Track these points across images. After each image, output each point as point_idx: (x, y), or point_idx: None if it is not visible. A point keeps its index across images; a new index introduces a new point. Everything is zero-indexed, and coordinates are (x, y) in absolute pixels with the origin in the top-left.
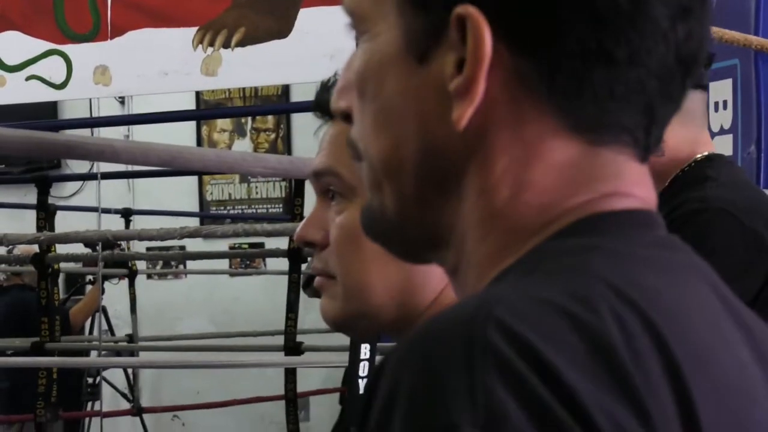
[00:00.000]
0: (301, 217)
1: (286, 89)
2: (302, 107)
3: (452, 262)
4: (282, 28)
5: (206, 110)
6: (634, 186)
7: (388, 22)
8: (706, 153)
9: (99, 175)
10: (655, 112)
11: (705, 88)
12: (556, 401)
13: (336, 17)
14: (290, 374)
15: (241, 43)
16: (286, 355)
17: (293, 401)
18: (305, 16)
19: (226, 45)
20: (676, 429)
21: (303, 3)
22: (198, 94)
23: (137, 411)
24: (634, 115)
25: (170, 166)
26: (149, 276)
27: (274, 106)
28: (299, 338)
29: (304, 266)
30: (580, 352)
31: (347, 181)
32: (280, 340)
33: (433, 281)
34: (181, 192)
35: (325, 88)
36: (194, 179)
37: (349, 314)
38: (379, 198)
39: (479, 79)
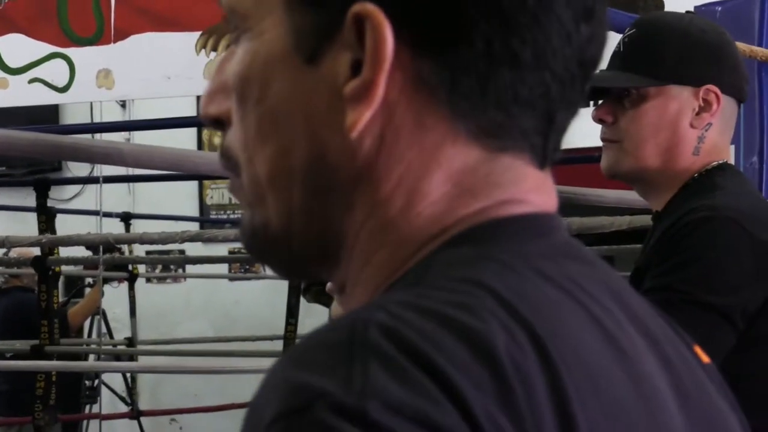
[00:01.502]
0: None
1: None
2: None
3: (341, 277)
4: None
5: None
6: (531, 192)
7: (273, 19)
8: (719, 161)
9: (101, 179)
10: (555, 117)
11: (741, 102)
12: (439, 392)
13: None
14: None
15: (224, 55)
16: None
17: None
18: None
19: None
20: None
21: None
22: (200, 98)
23: (135, 414)
24: (536, 120)
25: (177, 169)
26: (148, 279)
27: None
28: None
29: None
30: (462, 356)
31: None
32: (279, 345)
33: None
34: (182, 196)
35: None
36: (194, 183)
37: None
38: (262, 212)
39: (379, 82)
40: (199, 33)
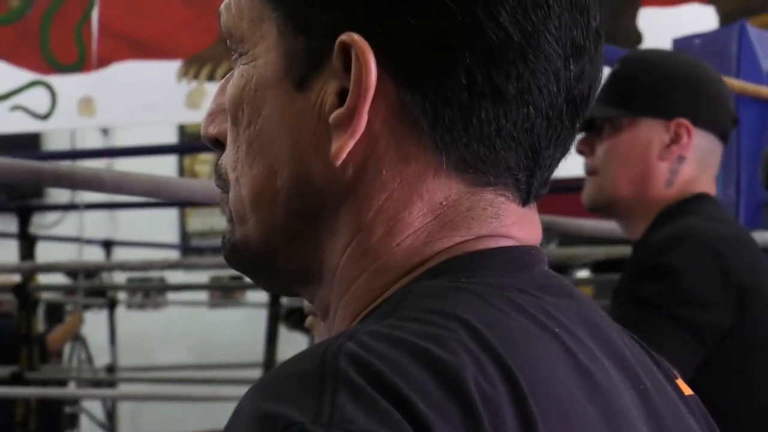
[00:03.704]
0: None
1: None
2: None
3: (324, 302)
4: None
5: (189, 143)
6: (513, 227)
7: (267, 44)
8: (696, 193)
9: (81, 206)
10: (540, 154)
11: (726, 141)
12: (406, 423)
13: None
14: None
15: (225, 77)
16: None
17: None
18: None
19: (210, 78)
20: None
21: None
22: (181, 125)
23: None
24: (520, 156)
25: (156, 196)
26: (129, 306)
27: None
28: None
29: (285, 299)
30: (430, 388)
31: None
32: (259, 372)
33: None
34: (163, 223)
35: None
36: (176, 210)
37: None
38: (243, 230)
39: (362, 111)
40: (181, 61)
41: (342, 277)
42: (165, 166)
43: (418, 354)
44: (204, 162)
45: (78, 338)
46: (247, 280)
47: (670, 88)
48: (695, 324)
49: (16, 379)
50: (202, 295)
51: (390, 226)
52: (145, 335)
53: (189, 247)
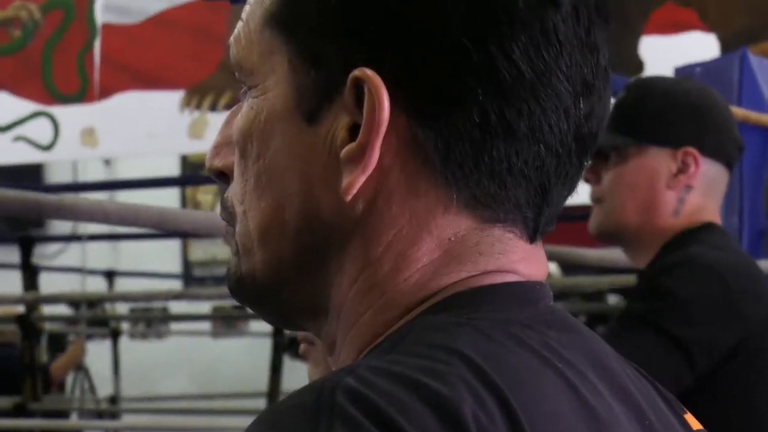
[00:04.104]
0: None
1: None
2: None
3: (330, 337)
4: None
5: (191, 176)
6: (519, 262)
7: (277, 77)
8: (703, 222)
9: (84, 237)
10: (549, 191)
11: (731, 168)
12: None
13: None
14: None
15: (228, 106)
16: None
17: None
18: None
19: (212, 108)
20: None
21: None
22: (184, 156)
23: None
24: (529, 193)
25: (160, 228)
26: (131, 335)
27: None
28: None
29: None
30: (428, 422)
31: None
32: (262, 402)
33: None
34: (165, 252)
35: None
36: (178, 240)
37: None
38: (249, 263)
39: (374, 146)
40: (182, 91)
41: (348, 312)
42: (167, 196)
43: (417, 388)
44: (207, 192)
45: (81, 368)
46: (250, 309)
47: (677, 116)
48: (686, 342)
49: (19, 411)
50: (205, 325)
51: (398, 261)
52: (148, 365)
53: (191, 277)
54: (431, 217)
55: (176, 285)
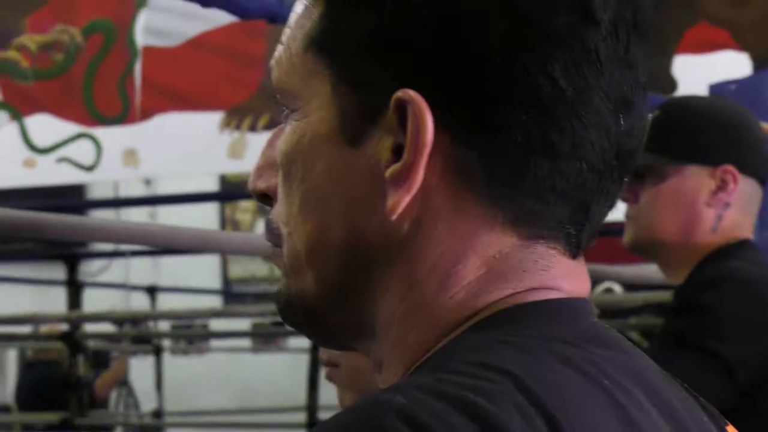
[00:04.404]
0: None
1: None
2: None
3: (378, 355)
4: None
5: (229, 191)
6: (562, 279)
7: (320, 101)
8: (739, 239)
9: (128, 253)
10: (591, 208)
11: (764, 185)
12: None
13: None
14: None
15: (267, 127)
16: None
17: None
18: None
19: (251, 129)
20: None
21: None
22: (222, 176)
23: None
24: (572, 210)
25: (202, 249)
26: (173, 352)
27: None
28: (321, 414)
29: None
30: None
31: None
32: (301, 416)
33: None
34: (205, 268)
35: None
36: (217, 257)
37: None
38: (298, 284)
39: (419, 167)
40: (221, 112)
41: (395, 331)
42: (206, 215)
43: (465, 406)
44: (245, 211)
45: (124, 384)
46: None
47: (713, 134)
48: (729, 359)
49: (65, 426)
50: (245, 341)
51: (444, 279)
52: (190, 381)
53: (231, 293)
54: (475, 235)
55: (216, 300)
